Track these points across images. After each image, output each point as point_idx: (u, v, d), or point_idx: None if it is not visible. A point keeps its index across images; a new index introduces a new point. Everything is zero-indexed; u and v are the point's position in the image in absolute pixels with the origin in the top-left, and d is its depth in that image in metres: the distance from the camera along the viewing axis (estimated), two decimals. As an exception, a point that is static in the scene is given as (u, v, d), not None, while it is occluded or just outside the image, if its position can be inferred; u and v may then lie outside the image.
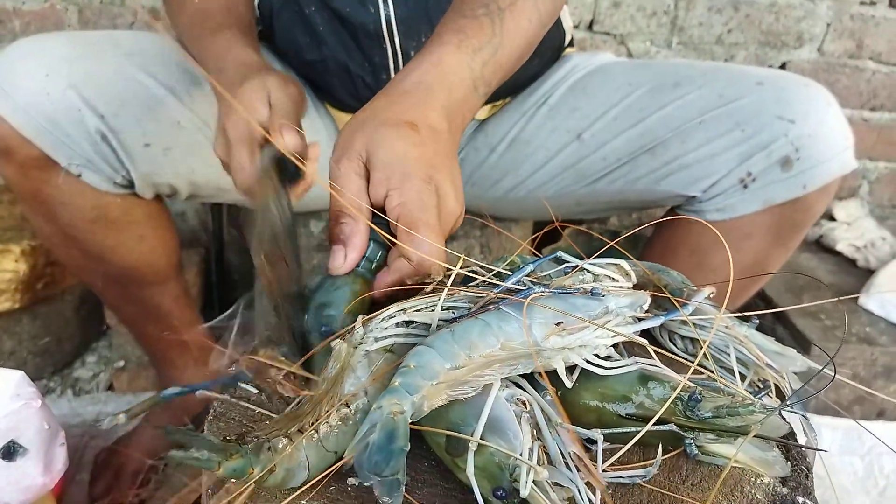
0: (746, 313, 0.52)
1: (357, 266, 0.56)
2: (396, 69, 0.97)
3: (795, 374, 0.50)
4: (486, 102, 1.05)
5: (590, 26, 1.58)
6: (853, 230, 1.55)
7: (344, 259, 0.56)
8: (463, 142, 1.09)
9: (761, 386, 0.50)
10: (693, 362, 0.51)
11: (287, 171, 0.68)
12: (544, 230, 0.70)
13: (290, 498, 0.36)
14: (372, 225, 0.55)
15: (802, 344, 1.27)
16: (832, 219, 1.60)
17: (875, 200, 1.67)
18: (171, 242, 1.04)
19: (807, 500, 0.42)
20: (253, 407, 0.44)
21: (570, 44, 1.13)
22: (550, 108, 1.04)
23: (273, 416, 0.44)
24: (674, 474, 0.43)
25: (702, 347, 0.51)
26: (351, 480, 0.40)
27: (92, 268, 1.00)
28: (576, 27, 1.56)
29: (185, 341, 1.15)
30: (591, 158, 1.00)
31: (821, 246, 1.57)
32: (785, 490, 0.42)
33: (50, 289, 1.24)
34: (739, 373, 0.50)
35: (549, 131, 1.03)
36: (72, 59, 0.84)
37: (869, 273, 1.44)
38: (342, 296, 0.53)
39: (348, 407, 0.40)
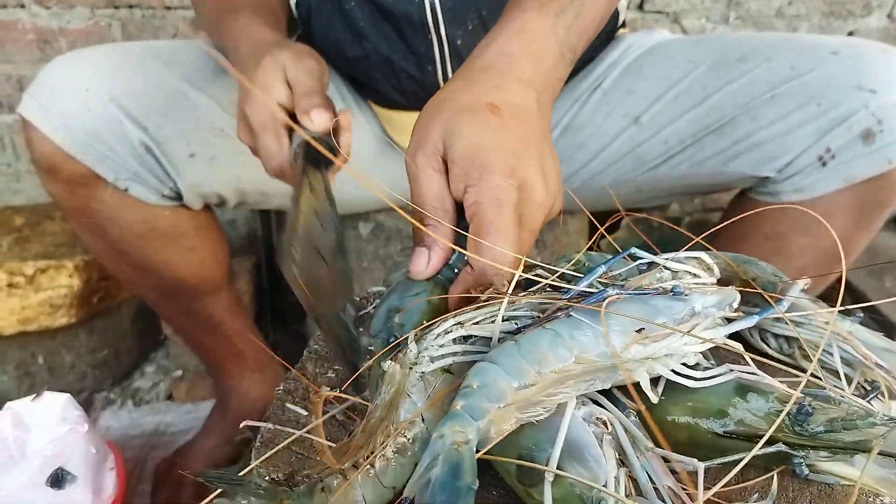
0: (850, 307, 0.46)
1: (438, 273, 0.51)
2: (442, 60, 0.93)
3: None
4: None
5: (640, 5, 1.51)
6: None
7: (427, 264, 0.51)
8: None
9: (869, 388, 0.44)
10: (794, 365, 0.45)
11: (321, 155, 0.63)
12: (607, 222, 0.64)
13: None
14: (457, 229, 0.50)
15: (887, 329, 1.18)
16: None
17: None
18: (221, 252, 1.03)
19: (940, 526, 0.36)
20: (295, 431, 0.41)
21: (623, 24, 1.07)
22: (605, 93, 0.98)
23: (323, 441, 0.40)
24: (779, 496, 0.37)
25: (801, 347, 0.45)
26: (412, 513, 0.36)
27: (144, 281, 1.00)
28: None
29: (241, 350, 1.14)
30: (651, 143, 0.94)
31: (900, 221, 1.46)
32: (914, 513, 0.37)
33: (105, 302, 1.24)
34: (845, 374, 0.44)
35: (603, 116, 0.98)
36: (111, 71, 0.83)
37: (958, 249, 1.33)
38: (417, 304, 0.48)
39: (405, 436, 0.36)
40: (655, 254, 0.47)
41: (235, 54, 0.76)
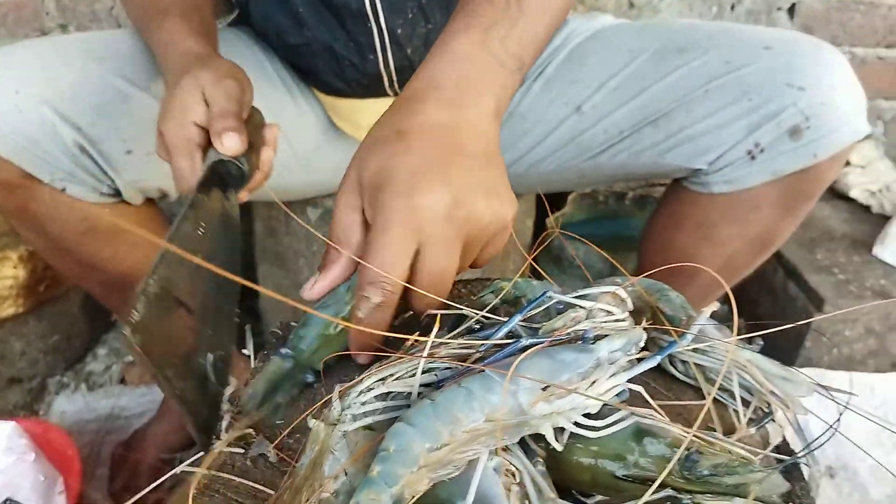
0: (752, 334, 0.49)
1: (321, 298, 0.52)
2: (383, 49, 0.93)
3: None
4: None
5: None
6: (867, 174, 1.50)
7: (313, 284, 0.52)
8: (458, 119, 1.04)
9: (765, 412, 0.48)
10: (698, 388, 0.49)
11: (231, 176, 0.64)
12: (540, 244, 0.65)
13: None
14: (360, 261, 0.50)
15: (815, 301, 1.24)
16: (846, 163, 1.54)
17: (890, 141, 1.60)
18: (164, 246, 1.02)
19: (812, 551, 0.40)
20: (236, 478, 0.43)
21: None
22: (548, 80, 0.99)
23: (258, 486, 0.43)
24: (671, 528, 0.41)
25: (701, 375, 0.49)
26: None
27: (89, 276, 0.99)
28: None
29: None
30: (592, 131, 0.96)
31: (834, 192, 1.52)
32: (789, 540, 0.41)
33: (53, 290, 1.23)
34: (742, 398, 0.48)
35: (546, 104, 0.99)
36: (41, 72, 0.81)
37: (884, 220, 1.39)
38: (314, 329, 0.50)
39: (329, 491, 0.38)
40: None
41: (159, 64, 0.75)
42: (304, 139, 1.04)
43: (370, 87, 0.98)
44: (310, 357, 0.51)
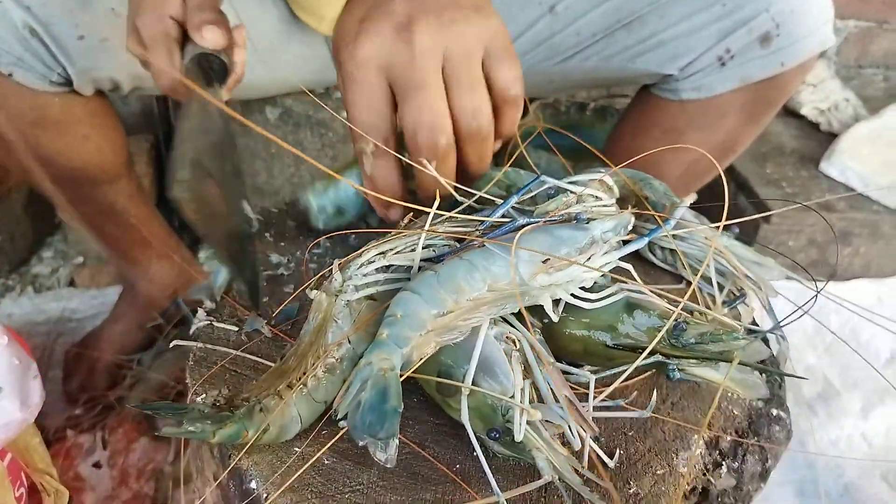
0: (727, 222, 0.51)
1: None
2: None
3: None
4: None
5: None
6: (818, 92, 1.54)
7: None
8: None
9: (738, 295, 0.51)
10: (676, 274, 0.51)
11: (213, 71, 0.62)
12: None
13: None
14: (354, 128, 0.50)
15: (763, 212, 1.29)
16: (799, 80, 1.57)
17: (842, 61, 1.64)
18: (118, 139, 0.98)
19: (780, 412, 0.44)
20: (231, 351, 0.43)
21: None
22: (520, -21, 0.97)
23: (252, 356, 0.43)
24: (654, 393, 0.44)
25: (682, 261, 0.51)
26: (342, 423, 0.40)
27: (38, 171, 0.94)
28: None
29: (146, 238, 1.12)
30: (565, 33, 0.95)
31: (786, 109, 1.56)
32: (760, 404, 0.44)
33: (-6, 188, 1.17)
34: (718, 282, 0.50)
35: (520, 5, 0.97)
36: None
37: (831, 137, 1.44)
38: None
39: (334, 357, 0.39)
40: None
41: None
42: (265, 33, 0.99)
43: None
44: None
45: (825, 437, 1.14)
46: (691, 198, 0.52)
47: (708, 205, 0.52)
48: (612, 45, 0.93)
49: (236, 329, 0.46)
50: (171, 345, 0.45)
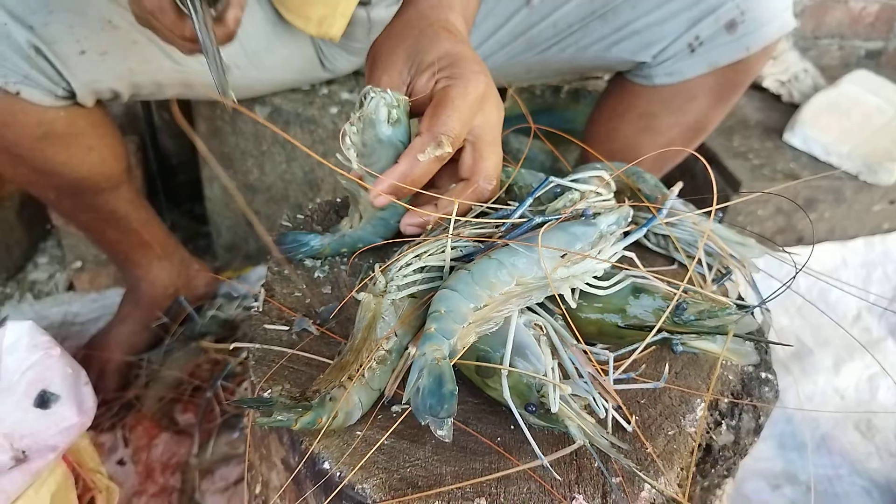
0: (712, 207, 0.57)
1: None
2: None
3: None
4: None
5: None
6: (778, 64, 1.61)
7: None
8: (407, 11, 1.05)
9: (724, 272, 0.57)
10: (668, 256, 0.57)
11: None
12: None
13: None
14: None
15: (732, 184, 1.37)
16: (761, 55, 1.64)
17: (799, 33, 1.72)
18: (119, 147, 1.01)
19: (768, 374, 0.50)
20: (287, 350, 0.48)
21: None
22: (498, -26, 1.01)
23: (305, 354, 0.48)
24: (660, 365, 0.50)
25: (675, 245, 0.57)
26: (395, 408, 0.45)
27: (42, 182, 0.97)
28: None
29: (147, 240, 1.15)
30: (542, 26, 1.00)
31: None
32: (751, 368, 0.51)
33: (-12, 198, 1.19)
34: (706, 263, 0.57)
35: (497, -1, 1.01)
36: None
37: (793, 108, 1.52)
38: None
39: (384, 349, 0.44)
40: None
41: None
42: (252, 34, 1.02)
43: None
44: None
45: (801, 392, 1.22)
46: (678, 186, 0.58)
47: (694, 198, 0.58)
48: (587, 35, 0.98)
49: (287, 329, 0.51)
50: (231, 347, 0.49)
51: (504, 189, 0.60)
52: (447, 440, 0.39)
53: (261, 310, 0.52)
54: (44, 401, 0.56)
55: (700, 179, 1.42)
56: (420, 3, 0.64)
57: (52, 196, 1.02)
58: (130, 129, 1.49)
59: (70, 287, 1.37)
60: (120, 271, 1.23)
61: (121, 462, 1.01)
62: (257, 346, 0.48)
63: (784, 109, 1.54)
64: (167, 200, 1.52)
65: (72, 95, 0.88)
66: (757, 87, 1.62)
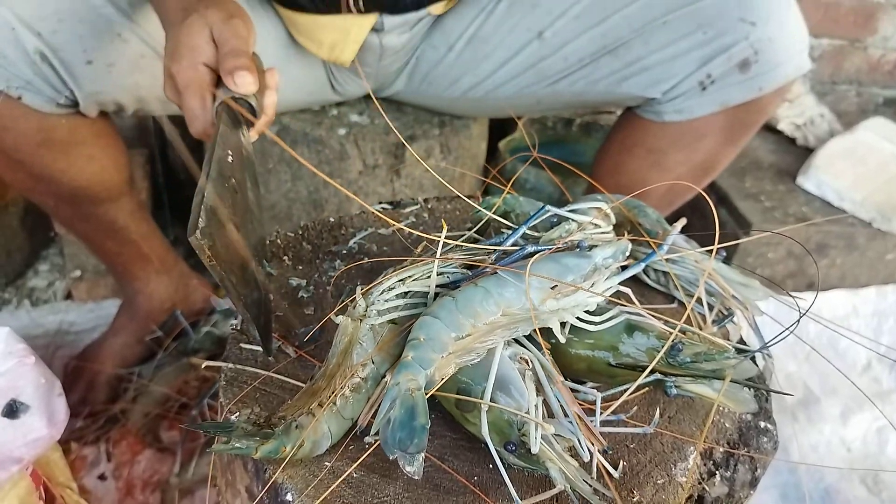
0: (715, 246, 0.55)
1: None
2: None
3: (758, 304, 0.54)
4: (442, -3, 1.01)
5: None
6: (794, 107, 1.60)
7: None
8: (418, 40, 1.05)
9: (726, 314, 0.55)
10: (668, 294, 0.55)
11: (241, 116, 0.65)
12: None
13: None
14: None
15: (743, 225, 1.34)
16: (778, 97, 1.63)
17: (816, 77, 1.71)
18: (121, 158, 1.00)
19: (767, 424, 0.48)
20: (261, 371, 0.46)
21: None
22: (510, 4, 1.01)
23: (279, 377, 0.46)
24: (652, 408, 0.48)
25: (675, 283, 0.55)
26: (368, 439, 0.43)
27: (41, 189, 0.97)
28: None
29: (146, 253, 1.14)
30: (552, 59, 0.99)
31: (763, 125, 1.62)
32: (749, 417, 0.48)
33: (-9, 203, 1.19)
34: (708, 303, 0.54)
35: (508, 29, 1.01)
36: None
37: (807, 151, 1.50)
38: None
39: (359, 377, 0.42)
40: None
41: (161, 5, 0.73)
42: (266, 56, 1.02)
43: (330, 3, 0.97)
44: None
45: (806, 441, 1.18)
46: (681, 223, 0.56)
47: (700, 233, 0.56)
48: (598, 69, 0.97)
49: (262, 350, 0.49)
50: (203, 365, 0.47)
51: (500, 214, 0.58)
52: (416, 477, 0.36)
53: (238, 328, 0.50)
54: (12, 410, 0.54)
55: (710, 219, 1.40)
56: None
57: (51, 203, 1.01)
58: (140, 142, 1.49)
59: (68, 296, 1.36)
60: (118, 283, 1.21)
61: (102, 477, 0.99)
62: (230, 365, 0.46)
63: (798, 153, 1.52)
64: (173, 215, 1.52)
65: (75, 104, 0.87)
66: (771, 130, 1.60)
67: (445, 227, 0.47)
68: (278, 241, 0.60)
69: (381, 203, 0.66)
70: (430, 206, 0.67)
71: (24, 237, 1.34)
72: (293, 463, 0.41)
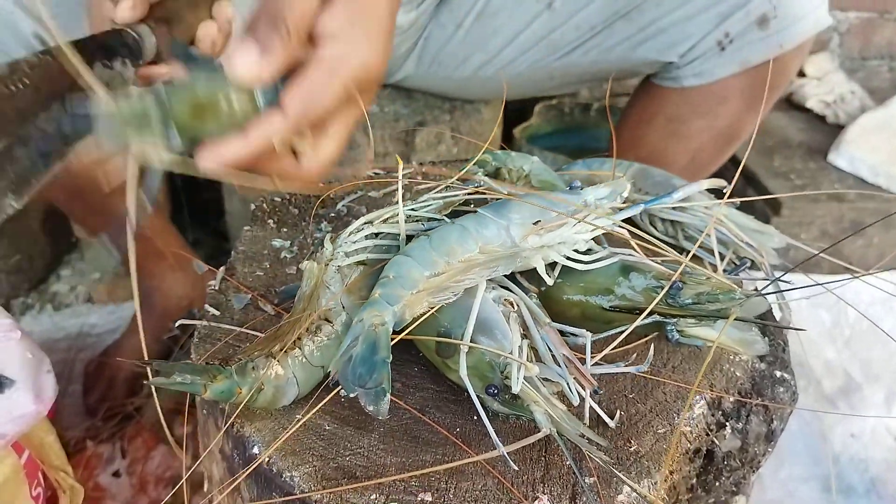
0: (728, 200, 0.51)
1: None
2: None
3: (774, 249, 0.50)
4: (449, -27, 0.99)
5: None
6: (823, 85, 1.53)
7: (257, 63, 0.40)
8: (425, 19, 1.03)
9: (739, 262, 0.51)
10: (677, 246, 0.51)
11: (126, 47, 0.56)
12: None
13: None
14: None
15: (773, 205, 1.28)
16: (802, 74, 1.57)
17: (845, 53, 1.63)
18: (129, 149, 1.00)
19: (784, 374, 0.43)
20: (236, 328, 0.44)
21: None
22: (517, -24, 0.98)
23: (255, 333, 0.44)
24: (655, 358, 0.44)
25: (684, 230, 0.51)
26: (343, 392, 0.40)
27: (54, 181, 0.97)
28: None
29: (161, 250, 1.13)
30: (564, 28, 0.96)
31: (791, 103, 1.55)
32: (763, 365, 0.44)
33: (11, 206, 1.20)
34: (719, 252, 0.50)
35: (517, 1, 0.98)
36: None
37: (838, 129, 1.43)
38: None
39: (330, 322, 0.39)
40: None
41: None
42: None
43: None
44: None
45: (847, 430, 1.11)
46: (709, 182, 0.51)
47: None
48: (611, 36, 0.94)
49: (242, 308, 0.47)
50: (177, 325, 0.45)
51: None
52: (380, 417, 0.33)
53: (216, 288, 0.48)
54: (-5, 384, 0.53)
55: (736, 193, 1.34)
56: None
57: (62, 197, 1.02)
58: (158, 144, 1.50)
59: (89, 299, 1.36)
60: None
61: (116, 474, 0.98)
62: (203, 322, 0.44)
63: (829, 131, 1.45)
64: (191, 217, 1.52)
65: (79, 91, 0.87)
66: (800, 108, 1.54)
67: (401, 163, 0.44)
68: (264, 205, 0.58)
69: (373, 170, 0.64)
70: (424, 169, 0.65)
71: (46, 242, 1.36)
72: (262, 416, 0.38)
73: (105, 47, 0.53)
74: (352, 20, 0.42)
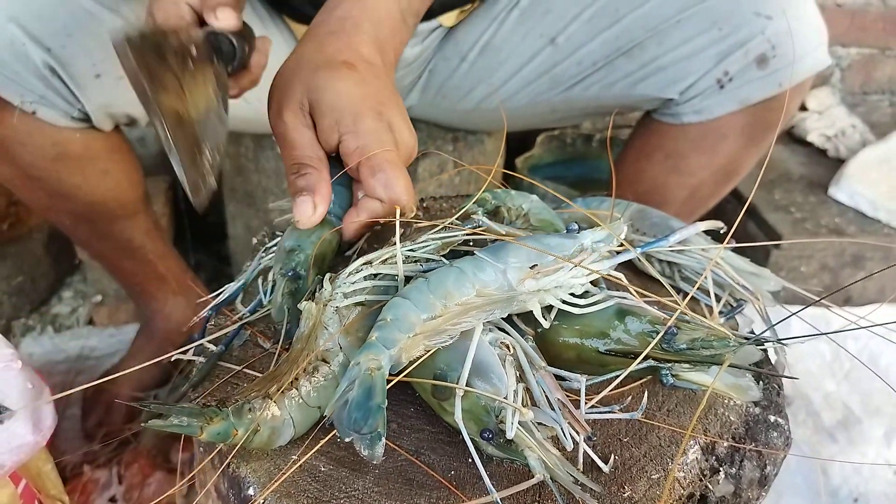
0: (727, 245, 0.51)
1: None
2: None
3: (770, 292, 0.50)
4: (453, 7, 1.00)
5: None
6: (824, 119, 1.54)
7: (314, 210, 0.53)
8: (430, 52, 1.04)
9: (735, 305, 0.51)
10: (674, 286, 0.51)
11: (222, 53, 0.63)
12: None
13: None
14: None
15: (772, 237, 1.29)
16: (803, 108, 1.58)
17: (846, 88, 1.65)
18: (135, 174, 1.01)
19: (778, 418, 0.43)
20: (234, 367, 0.44)
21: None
22: (522, 12, 0.99)
23: (256, 374, 0.44)
24: (650, 401, 0.44)
25: (681, 271, 0.51)
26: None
27: (58, 206, 0.98)
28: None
29: (163, 273, 1.14)
30: (566, 63, 0.97)
31: (792, 137, 1.56)
32: (757, 410, 0.44)
33: (16, 229, 1.21)
34: (715, 294, 0.51)
35: (521, 36, 1.00)
36: None
37: (839, 163, 1.44)
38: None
39: (327, 363, 0.40)
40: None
41: None
42: (274, 70, 1.03)
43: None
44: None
45: (848, 465, 1.11)
46: (705, 224, 0.51)
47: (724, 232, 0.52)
48: (612, 72, 0.95)
49: (240, 345, 0.47)
50: (173, 357, 0.46)
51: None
52: (374, 461, 0.33)
53: (212, 324, 0.49)
54: (-5, 415, 0.53)
55: (740, 231, 1.35)
56: (319, 29, 0.61)
57: (67, 222, 1.02)
58: (162, 169, 1.51)
59: (90, 321, 1.37)
60: (136, 304, 1.22)
61: (112, 500, 0.97)
62: (200, 359, 0.44)
63: (829, 164, 1.47)
64: (194, 241, 1.53)
65: (88, 118, 0.88)
66: (801, 142, 1.55)
67: (398, 210, 0.46)
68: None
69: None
70: (425, 204, 0.65)
71: (49, 264, 1.36)
72: (258, 456, 0.39)
73: (214, 50, 0.58)
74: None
